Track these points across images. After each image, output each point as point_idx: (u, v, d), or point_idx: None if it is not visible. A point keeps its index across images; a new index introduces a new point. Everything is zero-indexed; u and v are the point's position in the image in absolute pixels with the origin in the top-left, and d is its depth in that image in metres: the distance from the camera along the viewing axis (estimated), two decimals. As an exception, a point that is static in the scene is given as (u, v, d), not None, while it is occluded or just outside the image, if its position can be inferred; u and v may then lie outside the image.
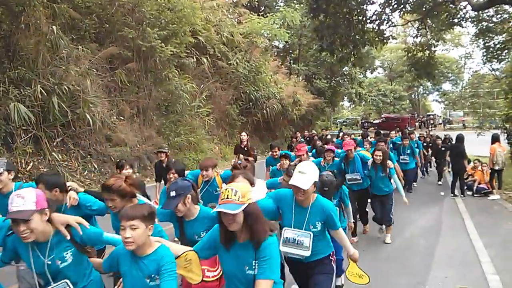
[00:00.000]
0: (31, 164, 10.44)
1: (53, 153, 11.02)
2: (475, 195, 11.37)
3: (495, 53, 21.54)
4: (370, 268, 5.82)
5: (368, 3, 19.31)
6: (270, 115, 22.91)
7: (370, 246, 6.88)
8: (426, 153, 14.47)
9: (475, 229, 7.73)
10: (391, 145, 10.91)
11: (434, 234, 7.65)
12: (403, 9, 19.70)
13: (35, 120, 10.53)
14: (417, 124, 46.83)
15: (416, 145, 11.91)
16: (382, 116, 49.51)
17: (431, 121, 50.13)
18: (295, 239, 3.43)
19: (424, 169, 15.16)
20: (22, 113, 9.82)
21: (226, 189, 2.50)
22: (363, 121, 50.76)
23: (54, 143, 11.32)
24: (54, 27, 11.08)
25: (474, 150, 15.81)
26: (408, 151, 11.21)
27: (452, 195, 11.31)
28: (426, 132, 22.45)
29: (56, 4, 11.71)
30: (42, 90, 10.44)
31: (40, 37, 11.02)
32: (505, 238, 7.34)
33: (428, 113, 57.13)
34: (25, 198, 2.50)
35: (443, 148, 13.44)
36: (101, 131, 12.58)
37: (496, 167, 11.16)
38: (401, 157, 11.05)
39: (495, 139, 11.55)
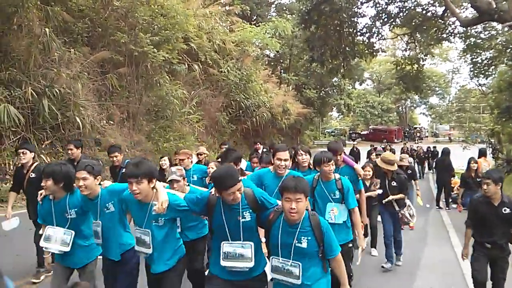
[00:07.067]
0: (19, 166, 10.36)
1: (41, 155, 10.91)
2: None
3: (482, 69, 21.84)
4: (356, 277, 5.93)
5: (359, 16, 19.59)
6: (259, 123, 22.93)
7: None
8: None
9: (459, 241, 7.82)
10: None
11: (419, 245, 7.77)
12: (393, 23, 20.00)
13: (25, 122, 10.50)
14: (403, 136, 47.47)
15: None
16: (370, 127, 50.19)
17: (418, 134, 50.88)
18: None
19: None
20: (12, 115, 9.80)
21: None
22: (351, 132, 51.28)
23: (43, 146, 11.26)
24: (46, 29, 11.11)
25: (460, 163, 16.02)
26: (336, 193, 4.45)
27: (437, 207, 11.46)
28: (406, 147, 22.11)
29: (49, 6, 11.72)
30: (33, 92, 10.45)
31: (32, 39, 11.03)
32: (488, 251, 7.46)
33: (415, 126, 58.00)
34: None
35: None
36: (90, 135, 12.53)
37: (482, 181, 11.30)
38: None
39: (481, 154, 11.72)
